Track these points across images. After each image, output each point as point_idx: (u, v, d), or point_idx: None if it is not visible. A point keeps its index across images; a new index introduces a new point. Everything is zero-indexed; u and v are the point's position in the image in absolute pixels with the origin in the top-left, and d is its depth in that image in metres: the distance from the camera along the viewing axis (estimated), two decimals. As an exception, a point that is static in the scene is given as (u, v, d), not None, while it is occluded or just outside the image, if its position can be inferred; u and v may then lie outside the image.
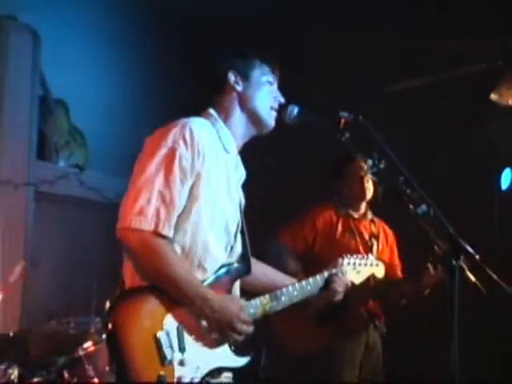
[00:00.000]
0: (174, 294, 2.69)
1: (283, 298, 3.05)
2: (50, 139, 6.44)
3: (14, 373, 4.15)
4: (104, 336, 4.32)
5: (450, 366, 2.58)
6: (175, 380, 2.63)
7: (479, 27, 5.62)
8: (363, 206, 5.04)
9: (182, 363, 2.67)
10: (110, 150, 6.79)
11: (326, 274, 3.22)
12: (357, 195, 4.99)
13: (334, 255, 4.93)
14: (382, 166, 2.97)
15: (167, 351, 2.64)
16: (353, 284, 3.32)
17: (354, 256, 3.35)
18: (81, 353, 4.39)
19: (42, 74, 6.34)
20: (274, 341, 5.23)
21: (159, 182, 2.70)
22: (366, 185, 4.93)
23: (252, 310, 2.93)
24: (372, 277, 3.49)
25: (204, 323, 2.75)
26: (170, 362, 2.65)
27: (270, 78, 3.10)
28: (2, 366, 4.17)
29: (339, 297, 3.22)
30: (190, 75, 6.57)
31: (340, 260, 3.29)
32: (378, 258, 3.58)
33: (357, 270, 3.34)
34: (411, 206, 2.82)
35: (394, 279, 4.97)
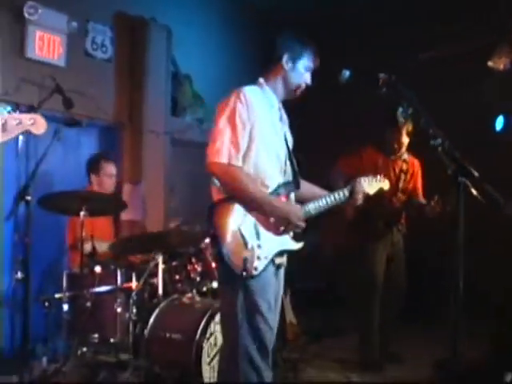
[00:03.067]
0: (249, 203, 2.82)
1: (321, 203, 3.07)
2: (179, 101, 6.47)
3: (160, 258, 4.28)
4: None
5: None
6: (255, 258, 2.78)
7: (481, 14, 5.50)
8: (401, 151, 4.95)
9: (259, 246, 2.80)
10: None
11: (350, 186, 3.20)
12: (396, 147, 4.92)
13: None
14: (409, 111, 2.94)
15: (248, 239, 2.78)
16: (368, 194, 3.28)
17: (368, 176, 3.30)
18: (203, 245, 4.47)
19: (173, 57, 6.36)
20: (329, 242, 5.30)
21: (228, 131, 2.81)
22: (403, 141, 4.88)
23: (306, 209, 3.00)
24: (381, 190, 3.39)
25: (272, 219, 2.86)
26: (252, 246, 2.77)
27: (310, 66, 3.08)
28: (152, 254, 4.32)
29: (360, 202, 3.19)
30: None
31: (358, 178, 3.24)
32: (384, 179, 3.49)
33: (369, 184, 3.28)
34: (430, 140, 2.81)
35: (409, 203, 4.95)
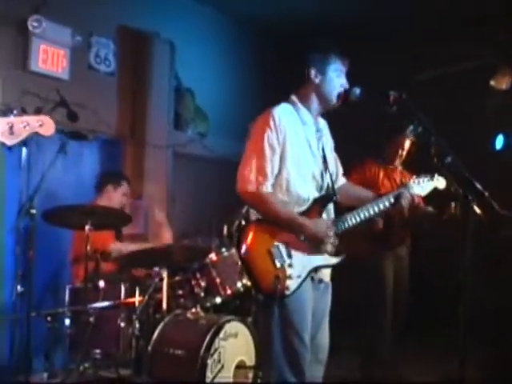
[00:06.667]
0: (280, 224, 2.84)
1: (364, 213, 3.03)
2: (182, 115, 6.44)
3: (164, 273, 4.25)
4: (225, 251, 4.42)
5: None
6: (287, 277, 2.78)
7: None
8: (397, 163, 5.04)
9: (290, 266, 2.80)
10: (224, 121, 6.86)
11: (395, 192, 3.13)
12: (395, 157, 5.01)
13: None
14: (419, 130, 2.93)
15: (277, 260, 2.80)
16: (420, 196, 3.20)
17: (420, 176, 3.20)
18: (207, 260, 4.40)
19: (176, 71, 6.35)
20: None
21: (255, 157, 2.86)
22: (402, 152, 4.97)
23: (342, 225, 2.98)
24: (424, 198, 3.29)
25: (302, 238, 2.85)
26: (282, 266, 2.78)
27: (340, 68, 3.02)
28: (157, 268, 4.29)
29: (406, 210, 3.10)
30: (274, 69, 6.59)
31: (408, 182, 3.17)
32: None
33: (421, 185, 3.17)
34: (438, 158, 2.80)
35: (423, 211, 4.91)
